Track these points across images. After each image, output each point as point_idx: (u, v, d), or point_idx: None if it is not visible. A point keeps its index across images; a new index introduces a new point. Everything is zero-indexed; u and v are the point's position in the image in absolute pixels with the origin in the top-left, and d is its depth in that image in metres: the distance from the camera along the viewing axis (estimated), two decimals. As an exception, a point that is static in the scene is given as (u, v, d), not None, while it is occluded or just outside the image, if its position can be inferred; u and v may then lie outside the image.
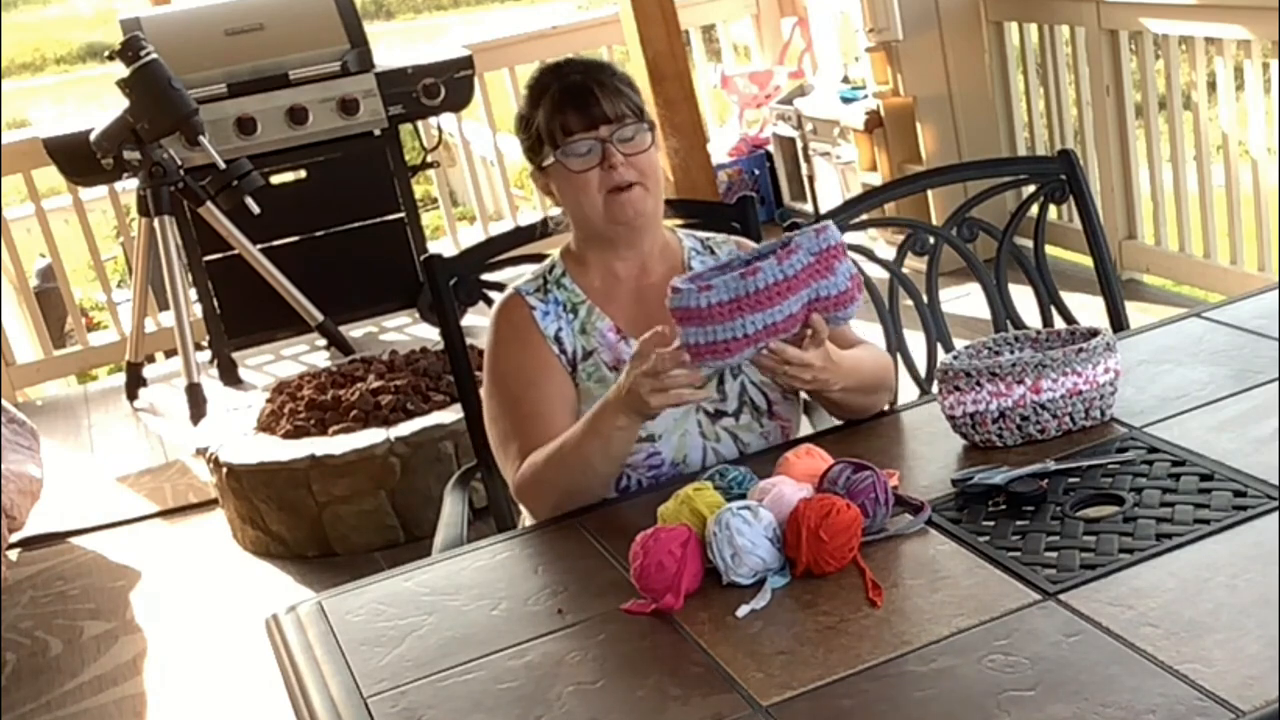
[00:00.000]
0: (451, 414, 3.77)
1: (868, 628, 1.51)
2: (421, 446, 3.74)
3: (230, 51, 5.00)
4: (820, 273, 1.78)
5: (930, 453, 1.93)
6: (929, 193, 4.51)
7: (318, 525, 3.79)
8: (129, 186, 5.09)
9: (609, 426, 1.89)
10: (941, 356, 2.12)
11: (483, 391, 2.13)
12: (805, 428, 2.20)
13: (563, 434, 1.97)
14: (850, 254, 1.84)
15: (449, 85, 5.15)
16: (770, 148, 6.04)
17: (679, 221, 2.16)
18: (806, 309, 1.79)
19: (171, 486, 4.48)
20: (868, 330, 2.38)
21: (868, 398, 2.05)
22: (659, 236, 2.10)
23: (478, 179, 6.43)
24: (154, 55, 4.59)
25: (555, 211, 2.12)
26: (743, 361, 1.81)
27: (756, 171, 6.05)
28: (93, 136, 4.68)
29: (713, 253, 2.14)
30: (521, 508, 2.10)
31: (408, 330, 5.51)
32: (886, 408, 2.13)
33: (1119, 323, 2.47)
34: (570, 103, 1.98)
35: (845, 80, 5.36)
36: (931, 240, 2.45)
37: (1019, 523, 1.67)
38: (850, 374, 1.95)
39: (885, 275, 2.44)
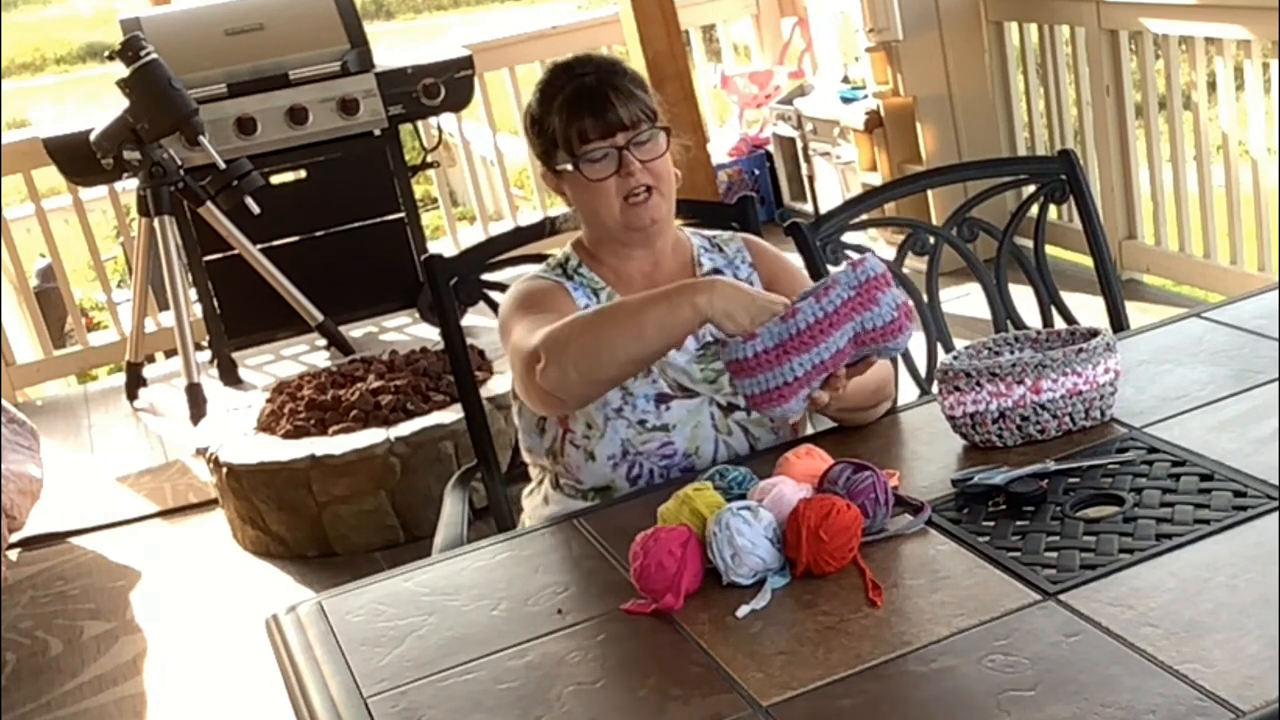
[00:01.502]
0: (451, 414, 3.77)
1: (868, 628, 1.51)
2: (421, 446, 3.74)
3: (230, 51, 5.00)
4: (863, 305, 1.75)
5: (930, 453, 1.93)
6: (929, 193, 4.51)
7: (318, 525, 3.79)
8: (129, 186, 5.09)
9: (683, 299, 1.78)
10: (941, 356, 2.12)
11: (504, 332, 2.03)
12: (809, 423, 2.21)
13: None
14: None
15: (449, 85, 5.15)
16: (770, 148, 6.04)
17: (680, 222, 2.16)
18: (853, 343, 1.76)
19: (171, 486, 4.48)
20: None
21: (863, 413, 2.04)
22: (670, 235, 2.11)
23: (478, 179, 6.43)
24: (154, 55, 4.59)
25: (560, 210, 2.12)
26: (802, 404, 1.77)
27: (756, 171, 6.05)
28: (93, 136, 4.69)
29: (721, 250, 2.15)
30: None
31: (408, 330, 5.51)
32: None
33: (1119, 323, 2.48)
34: (586, 109, 1.96)
35: (845, 80, 5.36)
36: (931, 240, 2.45)
37: (1019, 523, 1.67)
38: (849, 397, 1.90)
39: (885, 275, 2.44)
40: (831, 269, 1.97)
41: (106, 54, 4.85)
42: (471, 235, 6.71)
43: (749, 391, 1.76)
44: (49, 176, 5.50)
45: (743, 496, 1.75)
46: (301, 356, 5.40)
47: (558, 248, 2.18)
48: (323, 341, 5.17)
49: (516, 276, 2.20)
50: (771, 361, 1.73)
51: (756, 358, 1.73)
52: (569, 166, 1.99)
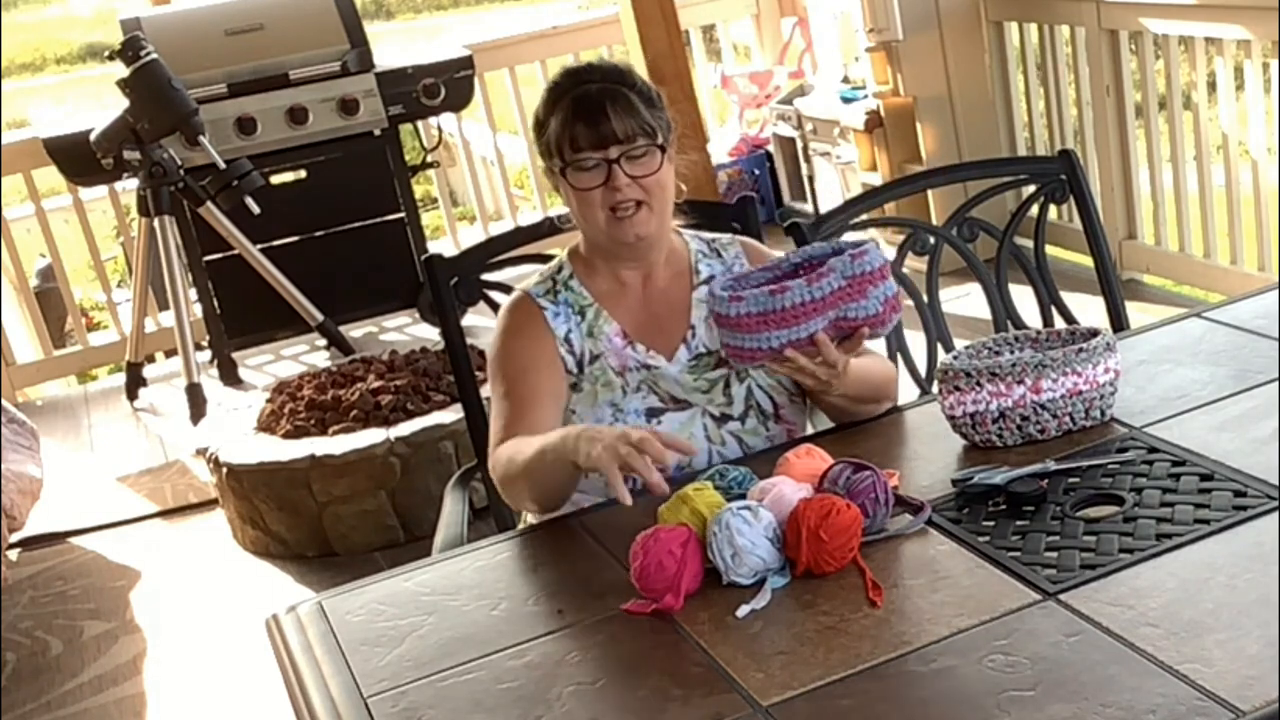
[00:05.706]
0: (451, 414, 3.77)
1: (868, 628, 1.51)
2: (421, 446, 3.74)
3: (230, 51, 5.00)
4: (850, 296, 1.82)
5: (930, 453, 1.93)
6: (929, 193, 4.51)
7: (318, 525, 3.79)
8: (129, 186, 5.09)
9: (558, 453, 1.84)
10: (941, 356, 2.12)
11: (489, 377, 2.13)
12: (805, 428, 2.20)
13: (540, 434, 1.95)
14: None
15: (449, 85, 5.15)
16: (770, 148, 6.03)
17: (680, 223, 2.16)
18: (832, 325, 1.83)
19: (171, 486, 4.48)
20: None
21: (865, 406, 2.07)
22: (665, 246, 2.10)
23: (478, 179, 6.43)
24: (154, 55, 4.59)
25: (561, 211, 2.12)
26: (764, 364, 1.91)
27: (756, 171, 6.05)
28: (93, 136, 4.68)
29: (719, 255, 2.14)
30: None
31: (408, 330, 5.51)
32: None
33: (1119, 323, 2.47)
34: (582, 118, 1.96)
35: (845, 80, 5.36)
36: (932, 240, 2.45)
37: (1019, 523, 1.67)
38: (857, 383, 1.97)
39: (885, 275, 2.44)
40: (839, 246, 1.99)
41: (106, 54, 4.85)
42: (471, 235, 6.71)
43: (725, 341, 1.89)
44: (49, 176, 5.49)
45: (743, 496, 1.75)
46: (301, 356, 5.40)
47: (558, 247, 2.18)
48: (323, 341, 5.17)
49: (517, 277, 2.20)
50: (751, 327, 1.83)
51: (738, 318, 1.83)
52: (559, 172, 2.01)
